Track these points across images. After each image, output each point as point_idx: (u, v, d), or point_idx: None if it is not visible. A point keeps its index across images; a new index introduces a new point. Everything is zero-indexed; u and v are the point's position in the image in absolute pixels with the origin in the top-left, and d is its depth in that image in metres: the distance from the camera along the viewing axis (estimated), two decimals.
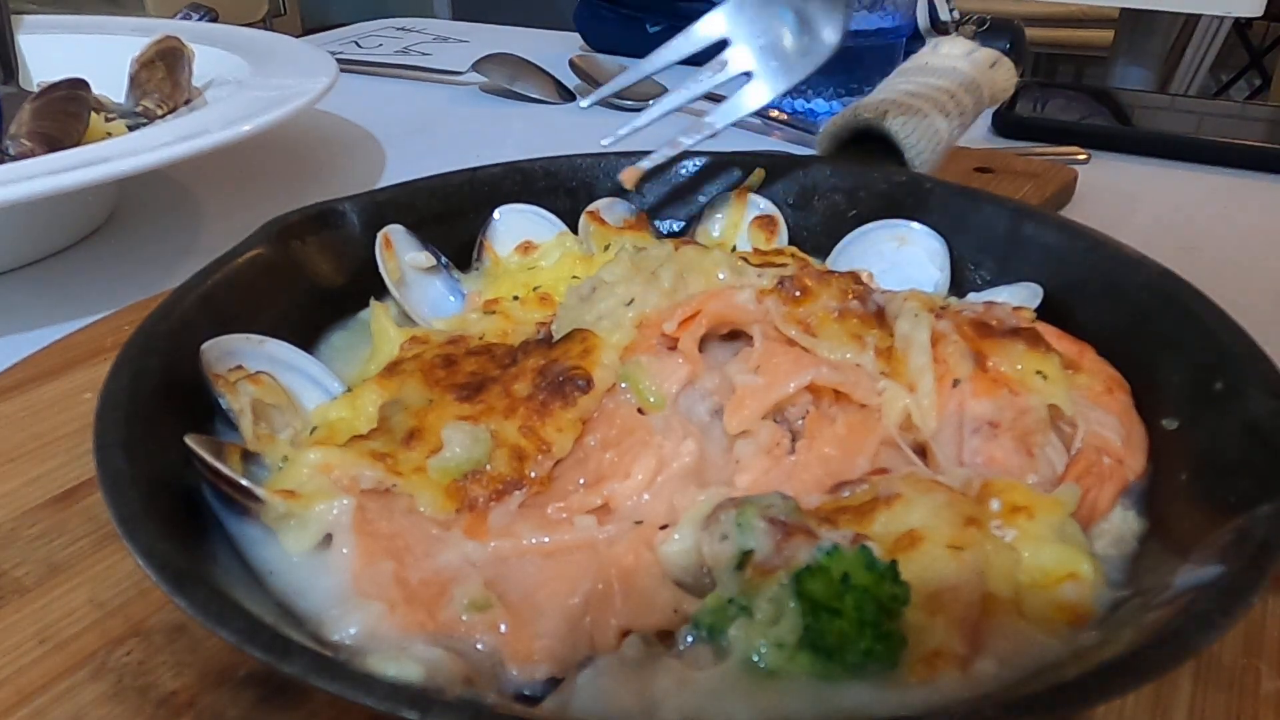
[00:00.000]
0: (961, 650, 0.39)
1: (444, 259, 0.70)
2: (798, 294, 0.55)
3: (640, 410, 0.52)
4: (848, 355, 0.53)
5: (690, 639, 0.41)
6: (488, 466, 0.49)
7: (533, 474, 0.49)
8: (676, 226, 0.79)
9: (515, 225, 0.74)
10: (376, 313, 0.64)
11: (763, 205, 0.77)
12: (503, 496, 0.48)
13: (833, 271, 0.60)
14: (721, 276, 0.58)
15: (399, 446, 0.50)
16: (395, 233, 0.69)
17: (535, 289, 0.67)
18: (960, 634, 0.39)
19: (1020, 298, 0.63)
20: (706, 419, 0.52)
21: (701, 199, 0.79)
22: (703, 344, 0.55)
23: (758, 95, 0.74)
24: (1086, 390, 0.54)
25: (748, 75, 0.74)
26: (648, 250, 0.61)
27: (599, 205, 0.76)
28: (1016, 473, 0.49)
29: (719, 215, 0.77)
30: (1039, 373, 0.52)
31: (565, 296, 0.61)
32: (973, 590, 0.41)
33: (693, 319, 0.55)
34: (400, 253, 0.69)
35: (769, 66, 0.73)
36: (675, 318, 0.55)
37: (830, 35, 0.71)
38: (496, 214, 0.73)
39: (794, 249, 0.73)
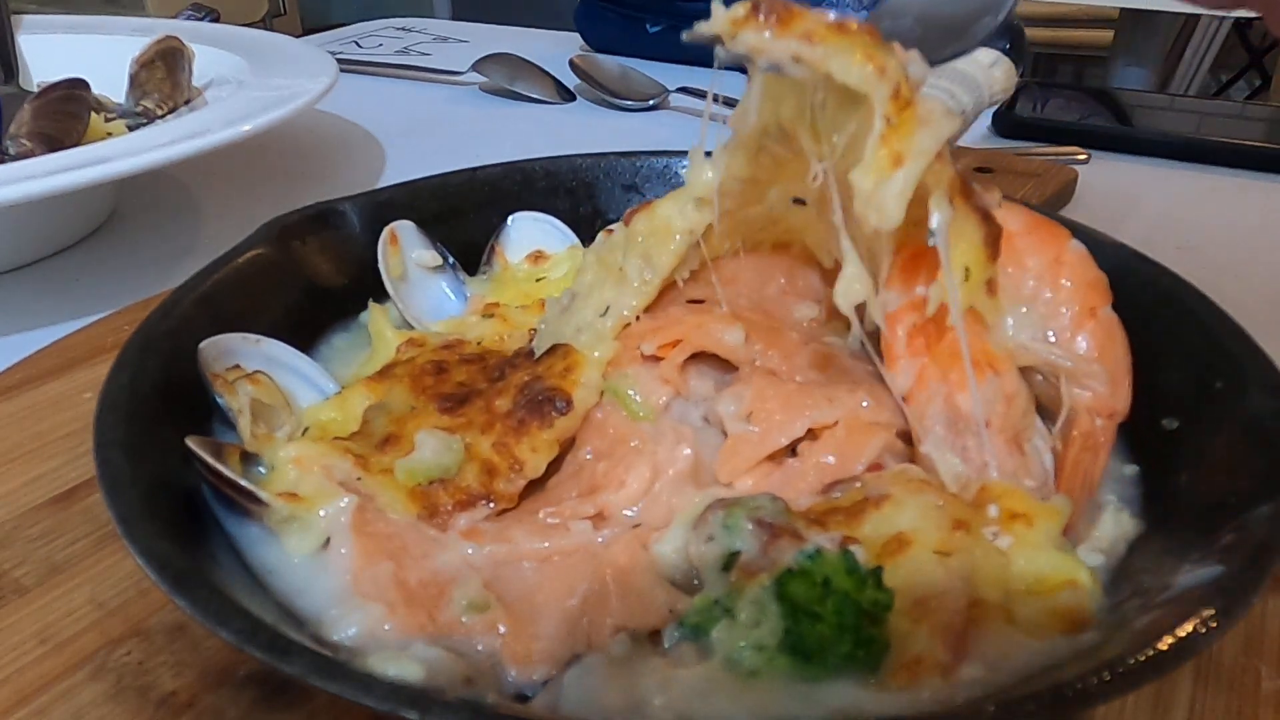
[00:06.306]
0: (944, 657, 0.39)
1: (451, 259, 0.70)
2: (778, 21, 0.43)
3: None
4: (867, 72, 0.42)
5: (676, 636, 0.41)
6: (455, 476, 0.49)
7: (502, 488, 0.49)
8: None
9: (528, 233, 0.73)
10: (374, 315, 0.64)
11: None
12: (467, 506, 0.48)
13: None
14: (678, 239, 0.53)
15: (374, 450, 0.50)
16: (403, 229, 0.69)
17: (540, 300, 0.66)
18: (944, 641, 0.39)
19: None
20: (699, 424, 0.51)
21: None
22: (688, 360, 0.53)
23: None
24: (1068, 318, 0.51)
25: None
26: (608, 242, 0.58)
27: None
28: (1010, 476, 0.48)
29: None
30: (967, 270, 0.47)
31: (546, 308, 0.59)
32: (958, 597, 0.41)
33: (673, 346, 0.53)
34: (406, 250, 0.69)
35: None
36: (654, 340, 0.53)
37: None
38: (510, 220, 0.73)
39: None
